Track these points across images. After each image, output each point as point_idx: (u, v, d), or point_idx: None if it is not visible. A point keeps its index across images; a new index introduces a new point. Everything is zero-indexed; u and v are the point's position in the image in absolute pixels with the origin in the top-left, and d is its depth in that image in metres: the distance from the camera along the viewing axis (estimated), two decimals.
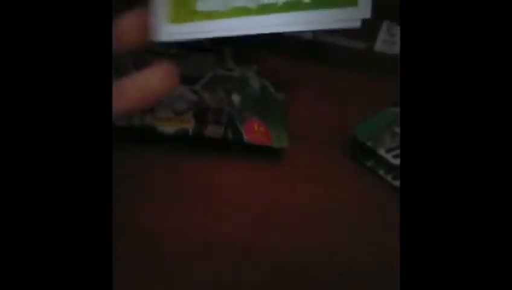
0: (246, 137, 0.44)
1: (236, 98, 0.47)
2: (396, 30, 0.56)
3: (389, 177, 0.45)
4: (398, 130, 0.47)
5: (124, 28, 0.26)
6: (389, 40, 0.57)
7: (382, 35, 0.56)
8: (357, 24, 0.27)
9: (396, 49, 0.57)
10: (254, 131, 0.45)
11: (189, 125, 0.43)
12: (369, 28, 0.56)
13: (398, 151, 0.45)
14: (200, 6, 0.25)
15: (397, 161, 0.45)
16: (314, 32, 0.56)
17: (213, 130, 0.43)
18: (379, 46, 0.57)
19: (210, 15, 0.26)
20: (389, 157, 0.45)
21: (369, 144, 0.46)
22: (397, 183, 0.45)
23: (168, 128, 0.43)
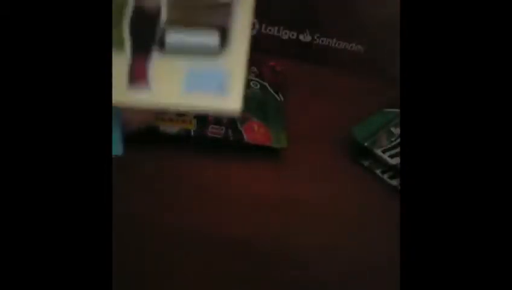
0: (246, 137, 0.44)
1: None
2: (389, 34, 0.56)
3: (385, 177, 0.46)
4: (394, 130, 0.48)
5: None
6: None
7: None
8: None
9: (391, 51, 0.58)
10: (254, 131, 0.45)
11: (191, 126, 0.44)
12: (366, 33, 0.57)
13: (394, 151, 0.46)
14: None
15: (393, 161, 0.45)
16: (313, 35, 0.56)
17: (214, 131, 0.44)
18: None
19: None
20: (385, 157, 0.46)
21: (366, 144, 0.46)
22: (393, 182, 0.45)
23: (171, 128, 0.43)
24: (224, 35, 0.20)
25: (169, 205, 0.40)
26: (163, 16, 0.20)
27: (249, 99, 0.48)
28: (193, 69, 0.20)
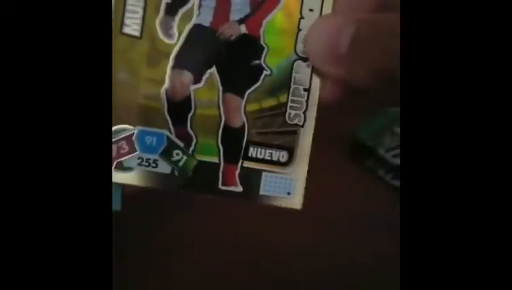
0: None
1: None
2: None
3: (388, 177, 0.46)
4: (397, 130, 0.47)
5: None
6: None
7: None
8: None
9: None
10: None
11: None
12: None
13: (397, 151, 0.46)
14: None
15: (396, 161, 0.45)
16: None
17: None
18: None
19: None
20: (388, 157, 0.45)
21: (369, 143, 0.46)
22: (396, 183, 0.45)
23: None
24: (291, 152, 0.27)
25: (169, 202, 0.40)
26: (246, 135, 0.27)
27: None
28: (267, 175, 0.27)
